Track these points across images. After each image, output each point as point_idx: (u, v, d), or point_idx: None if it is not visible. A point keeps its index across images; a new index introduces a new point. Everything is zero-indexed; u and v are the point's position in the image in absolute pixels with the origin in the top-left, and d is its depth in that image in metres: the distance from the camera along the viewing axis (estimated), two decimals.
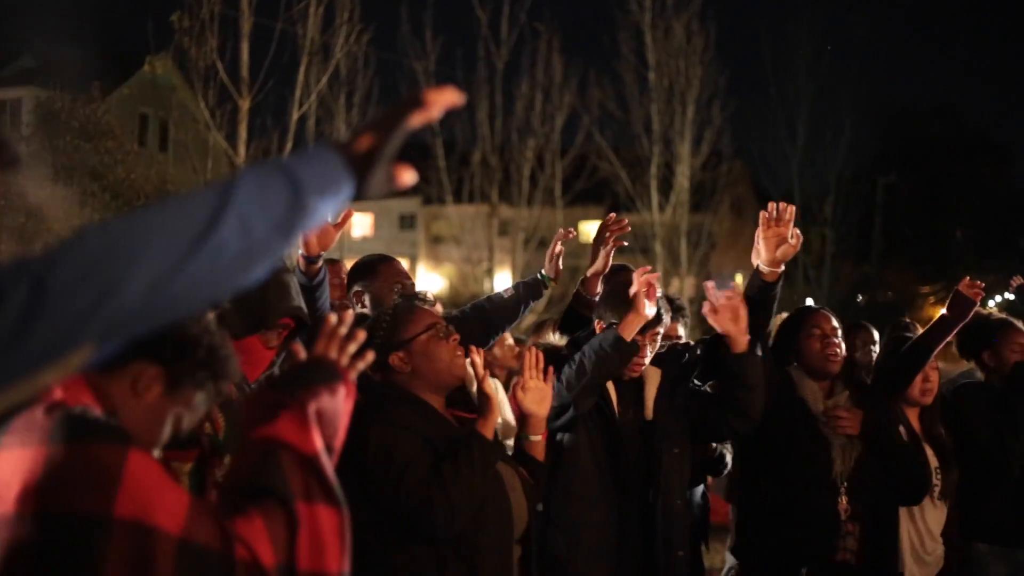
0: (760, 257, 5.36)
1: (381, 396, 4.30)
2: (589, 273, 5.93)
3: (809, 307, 5.94)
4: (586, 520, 5.19)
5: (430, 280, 53.52)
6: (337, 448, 2.54)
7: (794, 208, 5.33)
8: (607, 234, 5.94)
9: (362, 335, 2.69)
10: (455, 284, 36.39)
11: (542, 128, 27.74)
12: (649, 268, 5.25)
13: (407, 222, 57.00)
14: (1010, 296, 47.80)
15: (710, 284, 5.32)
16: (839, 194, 46.59)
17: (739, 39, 78.31)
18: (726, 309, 5.20)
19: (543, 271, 6.01)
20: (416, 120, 1.97)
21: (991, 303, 51.73)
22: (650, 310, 5.08)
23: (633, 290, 5.08)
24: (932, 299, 54.25)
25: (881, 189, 47.99)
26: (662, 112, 33.96)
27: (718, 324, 5.21)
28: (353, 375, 2.65)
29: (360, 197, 1.96)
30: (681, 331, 6.93)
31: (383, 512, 4.03)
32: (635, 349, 5.12)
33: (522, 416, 4.67)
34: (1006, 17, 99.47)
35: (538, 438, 4.63)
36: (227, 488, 2.45)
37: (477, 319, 5.77)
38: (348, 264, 6.38)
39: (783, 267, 5.39)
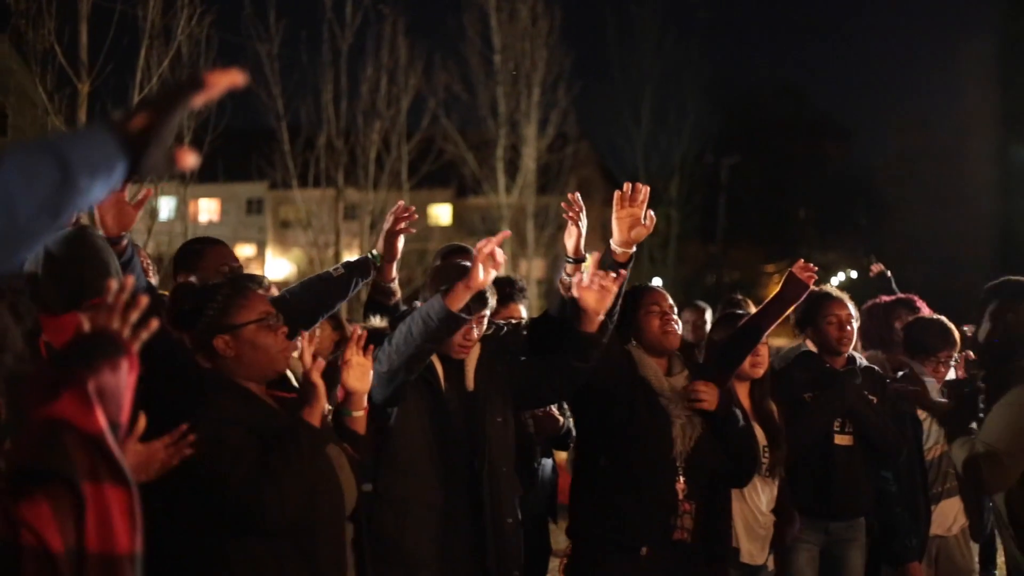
0: (613, 237, 5.41)
1: (202, 386, 4.27)
2: (383, 261, 5.89)
3: (645, 286, 5.99)
4: (414, 494, 5.21)
5: (279, 265, 53.04)
6: (123, 424, 2.48)
7: (648, 189, 5.39)
8: (396, 222, 5.90)
9: (144, 301, 2.54)
10: (303, 269, 36.11)
11: (388, 111, 27.57)
12: (503, 236, 5.24)
13: (254, 207, 56.38)
14: (853, 274, 48.79)
15: (596, 256, 5.35)
16: (684, 175, 47.09)
17: (584, 21, 78.66)
18: (600, 290, 5.25)
19: (374, 250, 5.99)
20: (196, 100, 1.96)
21: (833, 280, 52.86)
22: (485, 277, 5.05)
23: (474, 267, 5.05)
24: (776, 277, 55.02)
25: (725, 170, 48.47)
26: (508, 95, 34.03)
27: (585, 300, 5.24)
28: (136, 346, 2.52)
29: (135, 177, 1.94)
30: (523, 312, 6.97)
31: (214, 504, 4.00)
32: (460, 321, 5.11)
33: (344, 392, 4.68)
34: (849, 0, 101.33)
35: (360, 413, 4.64)
36: (10, 472, 2.38)
37: (305, 298, 5.74)
38: None
39: (634, 248, 5.45)
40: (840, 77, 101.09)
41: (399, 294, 6.05)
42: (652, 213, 5.43)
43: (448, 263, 5.79)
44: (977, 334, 5.77)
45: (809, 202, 60.22)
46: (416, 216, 5.91)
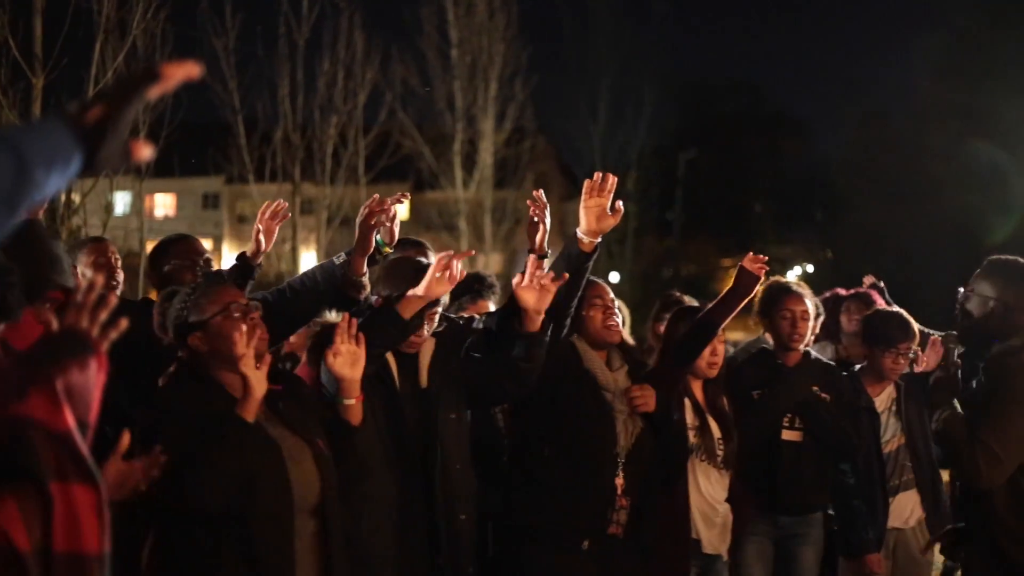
0: (580, 227, 5.42)
1: (171, 377, 4.33)
2: (354, 254, 5.87)
3: (588, 279, 6.01)
4: (369, 491, 5.21)
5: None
6: (92, 423, 2.47)
7: (615, 179, 5.44)
8: (371, 216, 5.87)
9: (113, 300, 2.55)
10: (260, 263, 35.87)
11: (344, 105, 27.48)
12: (453, 253, 5.24)
13: (210, 201, 56.16)
14: (809, 268, 48.96)
15: (532, 258, 5.38)
16: (641, 169, 47.12)
17: (541, 15, 78.71)
18: (540, 289, 5.26)
19: (377, 235, 5.94)
20: (152, 92, 1.94)
21: (790, 274, 53.08)
22: (440, 288, 5.08)
23: (429, 276, 5.06)
24: (732, 271, 55.19)
25: (682, 164, 48.57)
26: (465, 89, 34.01)
27: (525, 300, 5.25)
28: (105, 346, 2.52)
29: (91, 170, 1.92)
30: (492, 308, 6.99)
31: (153, 491, 4.04)
32: (412, 328, 5.13)
33: (336, 381, 4.74)
34: None
35: (352, 402, 4.73)
36: None
37: (303, 289, 5.68)
38: (150, 245, 6.34)
39: (600, 238, 5.47)
40: (796, 71, 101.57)
41: (368, 288, 6.04)
42: (620, 203, 5.46)
43: (402, 259, 5.79)
44: (966, 306, 5.65)
45: (766, 196, 60.38)
46: (392, 211, 5.86)
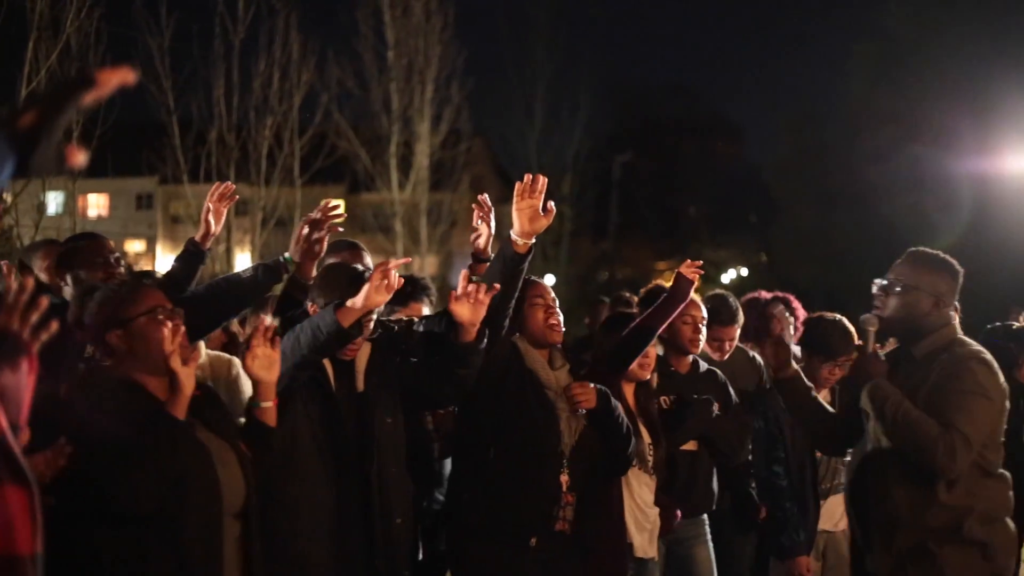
0: (513, 228, 5.46)
1: (86, 378, 4.29)
2: (304, 259, 5.90)
3: (529, 279, 6.01)
4: (306, 495, 5.22)
5: (169, 261, 52.31)
6: (23, 424, 2.46)
7: (545, 180, 5.46)
8: (322, 220, 5.92)
9: (45, 303, 2.54)
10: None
11: (280, 106, 27.32)
12: (390, 261, 5.27)
13: (144, 202, 55.74)
14: (744, 271, 49.20)
15: (465, 273, 5.41)
16: (577, 172, 47.32)
17: (477, 18, 78.65)
18: (475, 303, 5.29)
19: (287, 253, 6.00)
20: (86, 98, 1.94)
21: (724, 277, 53.38)
22: (379, 298, 5.10)
23: (368, 286, 5.07)
24: (668, 275, 55.37)
25: (617, 167, 48.76)
26: (401, 90, 33.99)
27: (459, 313, 5.28)
28: (36, 347, 2.52)
29: (24, 174, 1.91)
30: (426, 311, 7.00)
31: (78, 492, 4.02)
32: (352, 337, 5.15)
33: (253, 383, 4.70)
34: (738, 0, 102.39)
35: (269, 404, 4.71)
36: None
37: (209, 299, 5.73)
38: None
39: (534, 239, 5.50)
40: (731, 76, 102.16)
41: None
42: (552, 204, 5.49)
43: (337, 266, 5.81)
44: (892, 297, 5.52)
45: (701, 199, 60.78)
46: (344, 215, 5.95)
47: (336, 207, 5.99)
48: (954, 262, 5.55)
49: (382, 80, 33.89)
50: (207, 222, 6.27)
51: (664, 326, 6.45)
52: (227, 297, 5.86)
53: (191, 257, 6.27)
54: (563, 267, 45.09)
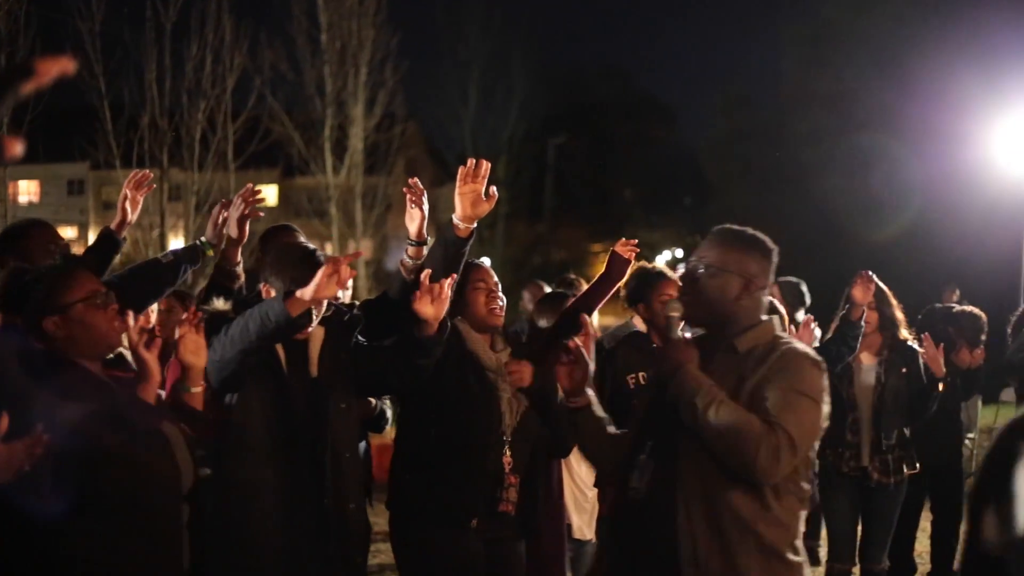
0: (456, 213, 5.48)
1: (40, 366, 4.25)
2: (228, 244, 5.91)
3: (471, 262, 6.04)
4: (259, 479, 5.21)
5: None
6: None
7: (488, 165, 5.48)
8: (243, 204, 5.94)
9: None
10: (128, 251, 35.38)
11: (213, 90, 27.08)
12: (353, 256, 5.32)
13: (75, 187, 55.21)
14: (679, 252, 49.42)
15: (427, 272, 5.42)
16: (511, 155, 47.39)
17: (411, 0, 78.44)
18: (438, 300, 5.32)
19: (203, 238, 6.01)
20: (26, 88, 1.92)
21: (659, 259, 53.60)
22: (329, 291, 5.09)
23: (318, 277, 5.05)
24: (603, 256, 55.60)
25: (552, 149, 48.88)
26: (335, 74, 33.83)
27: (424, 312, 5.34)
28: None
29: None
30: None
31: (51, 484, 4.00)
32: (300, 326, 5.14)
33: (182, 368, 4.68)
34: None
35: (198, 389, 4.70)
36: None
37: (132, 284, 5.72)
38: None
39: (475, 223, 5.52)
40: (664, 58, 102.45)
41: (243, 277, 6.06)
42: (494, 189, 5.52)
43: (289, 244, 5.81)
44: (700, 280, 4.77)
45: (635, 182, 60.91)
46: (264, 199, 5.97)
47: (258, 192, 6.01)
48: (766, 239, 4.83)
49: (315, 63, 33.71)
50: (123, 210, 6.26)
51: (600, 305, 6.48)
52: (149, 281, 5.87)
53: (106, 245, 6.26)
54: (499, 250, 45.14)
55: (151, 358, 4.33)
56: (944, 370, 8.37)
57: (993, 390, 12.47)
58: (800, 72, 43.19)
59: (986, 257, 18.57)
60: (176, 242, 28.34)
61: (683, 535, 4.35)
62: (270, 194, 52.96)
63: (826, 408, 4.49)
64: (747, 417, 4.33)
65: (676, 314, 4.64)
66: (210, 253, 6.24)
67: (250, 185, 6.06)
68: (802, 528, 4.48)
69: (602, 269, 6.65)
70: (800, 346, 4.59)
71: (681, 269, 4.94)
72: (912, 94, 34.22)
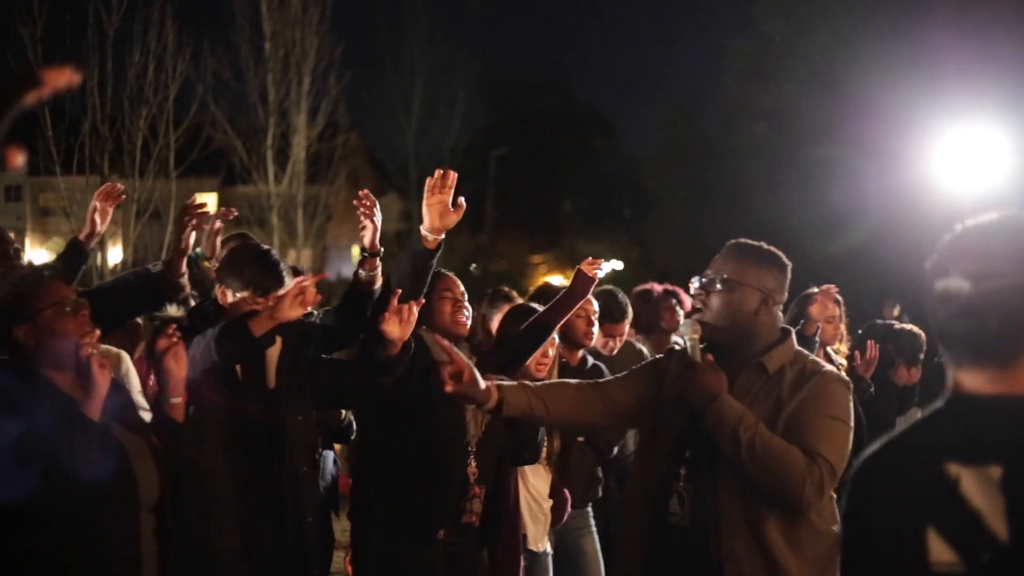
0: (423, 224, 5.48)
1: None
2: (172, 255, 5.89)
3: (437, 271, 6.05)
4: (216, 491, 5.17)
5: (38, 255, 51.59)
6: None
7: (455, 175, 5.47)
8: (187, 216, 5.92)
9: None
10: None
11: (155, 97, 26.91)
12: (319, 277, 5.31)
13: (12, 193, 54.73)
14: (618, 265, 49.57)
15: (398, 292, 5.41)
16: (453, 166, 47.23)
17: (355, 10, 78.32)
18: (405, 322, 5.30)
19: (199, 249, 6.05)
20: (29, 99, 1.90)
21: (598, 272, 53.55)
22: (293, 312, 5.08)
23: (288, 296, 5.04)
24: (543, 268, 55.79)
25: (494, 161, 48.91)
26: (278, 82, 33.72)
27: (390, 332, 5.33)
28: None
29: None
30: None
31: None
32: (265, 345, 5.13)
33: (164, 379, 4.68)
34: None
35: (178, 400, 4.66)
36: None
37: (116, 294, 5.69)
38: None
39: (443, 235, 5.52)
40: (606, 71, 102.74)
41: (188, 288, 6.03)
42: (462, 199, 5.52)
43: (243, 247, 5.80)
44: (718, 296, 4.73)
45: (575, 194, 61.03)
46: (208, 212, 5.98)
47: (203, 204, 5.99)
48: (780, 254, 4.80)
49: (259, 72, 33.59)
50: (93, 221, 6.26)
51: (562, 322, 6.51)
52: (135, 292, 5.84)
53: (74, 255, 6.25)
54: (440, 260, 45.07)
55: (100, 374, 4.27)
56: (868, 376, 8.41)
57: (931, 399, 12.49)
58: (741, 87, 43.43)
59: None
60: (115, 250, 28.12)
61: (726, 559, 4.36)
62: (210, 202, 52.40)
63: (852, 428, 4.54)
64: (789, 451, 4.33)
65: (696, 335, 4.57)
66: (206, 264, 6.27)
67: (193, 198, 6.07)
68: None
69: (541, 280, 6.73)
70: (829, 369, 4.61)
71: (695, 283, 4.78)
72: (853, 111, 34.49)
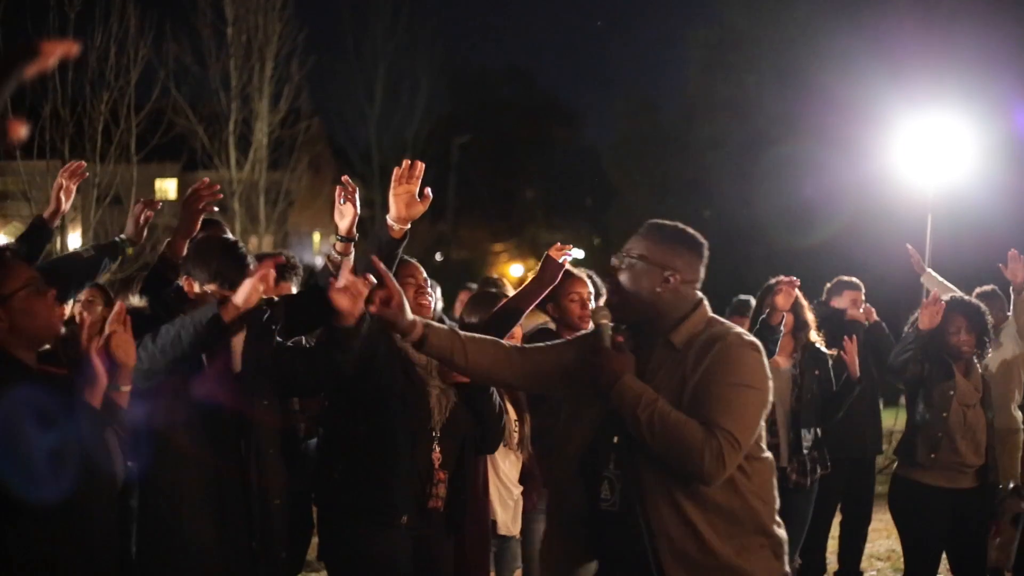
0: (390, 214, 5.46)
1: None
2: (176, 236, 5.89)
3: (402, 258, 6.05)
4: (185, 479, 5.16)
5: None
6: None
7: (423, 165, 5.46)
8: (196, 199, 5.95)
9: None
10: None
11: (116, 82, 26.72)
12: (278, 260, 5.30)
13: None
14: (579, 254, 49.95)
15: (347, 261, 5.38)
16: (415, 153, 47.32)
17: None
18: (355, 295, 5.23)
19: (123, 235, 6.01)
20: (30, 70, 1.90)
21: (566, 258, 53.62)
22: (255, 297, 5.09)
23: (250, 284, 5.05)
24: (504, 256, 55.87)
25: (456, 149, 48.92)
26: (240, 68, 33.58)
27: (340, 303, 5.10)
28: None
29: None
30: (294, 290, 7.00)
31: None
32: (233, 332, 5.14)
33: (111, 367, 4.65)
34: None
35: (127, 388, 4.62)
36: None
37: (54, 276, 5.66)
38: None
39: (409, 225, 5.51)
40: (568, 61, 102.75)
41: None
42: (428, 190, 5.52)
43: (210, 238, 5.77)
44: (628, 277, 4.70)
45: (537, 183, 61.12)
46: (222, 195, 6.00)
47: (215, 186, 6.04)
48: (696, 234, 4.78)
49: (221, 57, 33.42)
50: (58, 199, 6.28)
51: (531, 307, 6.53)
52: (70, 274, 5.85)
53: (37, 234, 6.27)
54: (402, 248, 45.07)
55: (100, 364, 4.27)
56: (859, 373, 8.55)
57: (894, 394, 12.62)
58: (704, 77, 43.58)
59: (888, 263, 18.83)
60: (74, 235, 27.97)
61: (659, 538, 4.41)
62: (170, 188, 52.39)
63: (771, 385, 4.56)
64: (687, 425, 4.34)
65: (605, 321, 4.58)
66: (130, 251, 6.27)
67: (205, 179, 6.11)
68: (777, 504, 4.59)
69: (503, 269, 6.74)
70: (736, 332, 4.59)
71: (613, 261, 4.76)
72: (815, 101, 34.66)
